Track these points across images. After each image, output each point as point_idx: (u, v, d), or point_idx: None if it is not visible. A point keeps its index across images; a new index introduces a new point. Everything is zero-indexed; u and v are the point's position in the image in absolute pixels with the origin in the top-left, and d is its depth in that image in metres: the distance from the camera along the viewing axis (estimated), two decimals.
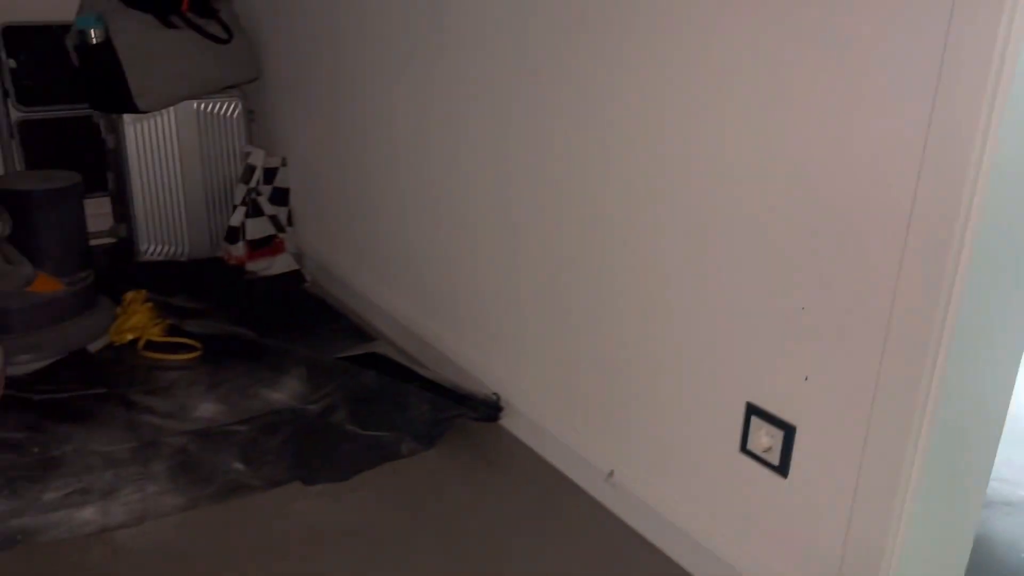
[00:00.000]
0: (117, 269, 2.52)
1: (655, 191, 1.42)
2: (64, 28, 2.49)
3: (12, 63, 2.58)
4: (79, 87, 2.53)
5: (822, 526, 1.27)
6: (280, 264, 2.59)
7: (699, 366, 1.41)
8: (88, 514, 1.52)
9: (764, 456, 1.33)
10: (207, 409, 1.89)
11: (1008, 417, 1.22)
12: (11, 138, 2.63)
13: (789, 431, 1.29)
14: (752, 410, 1.34)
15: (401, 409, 1.87)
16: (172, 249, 2.59)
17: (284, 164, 2.64)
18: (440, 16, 1.85)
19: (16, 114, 2.64)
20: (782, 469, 1.31)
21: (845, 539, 1.23)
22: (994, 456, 1.24)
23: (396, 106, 2.07)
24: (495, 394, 1.88)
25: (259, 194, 2.60)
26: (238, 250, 2.57)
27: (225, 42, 2.48)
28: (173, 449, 1.72)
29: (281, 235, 2.64)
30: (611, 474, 1.61)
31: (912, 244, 1.07)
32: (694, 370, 1.42)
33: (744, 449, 1.36)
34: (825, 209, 1.17)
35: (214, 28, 2.48)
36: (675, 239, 1.40)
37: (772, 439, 1.31)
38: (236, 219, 2.57)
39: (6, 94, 2.60)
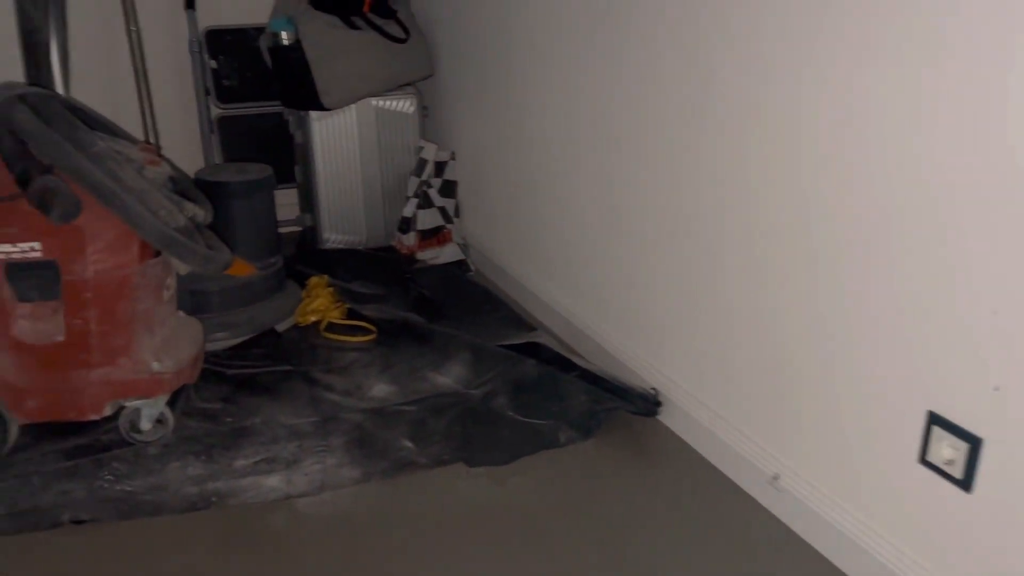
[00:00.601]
0: (303, 255, 2.71)
1: (828, 182, 1.37)
2: (259, 31, 2.70)
3: (213, 64, 2.82)
4: (272, 86, 2.73)
5: (1010, 546, 1.18)
6: (448, 254, 2.69)
7: (876, 369, 1.34)
8: (274, 482, 1.66)
9: (945, 468, 1.25)
10: (381, 389, 1.99)
11: None
12: (211, 133, 2.88)
13: (975, 443, 1.20)
14: (934, 419, 1.26)
15: (560, 399, 1.90)
16: (352, 238, 2.75)
17: (453, 158, 2.74)
18: (618, 6, 1.86)
19: (216, 111, 2.88)
20: (965, 483, 1.23)
21: None
22: None
23: (566, 102, 2.10)
24: (654, 389, 1.87)
25: (430, 186, 2.70)
26: (410, 239, 2.70)
27: (403, 41, 2.60)
28: (350, 425, 1.84)
29: (449, 226, 2.74)
30: (776, 477, 1.57)
31: None
32: (870, 373, 1.35)
33: (923, 460, 1.29)
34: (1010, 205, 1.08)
35: (393, 28, 2.60)
36: (850, 230, 1.34)
37: (955, 451, 1.23)
38: (409, 210, 2.69)
39: (207, 92, 2.85)
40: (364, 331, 2.24)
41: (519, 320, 2.34)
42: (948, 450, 1.25)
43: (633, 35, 1.81)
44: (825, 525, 1.47)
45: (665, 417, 1.86)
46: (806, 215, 1.42)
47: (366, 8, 2.59)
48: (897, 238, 1.27)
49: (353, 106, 2.63)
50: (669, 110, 1.72)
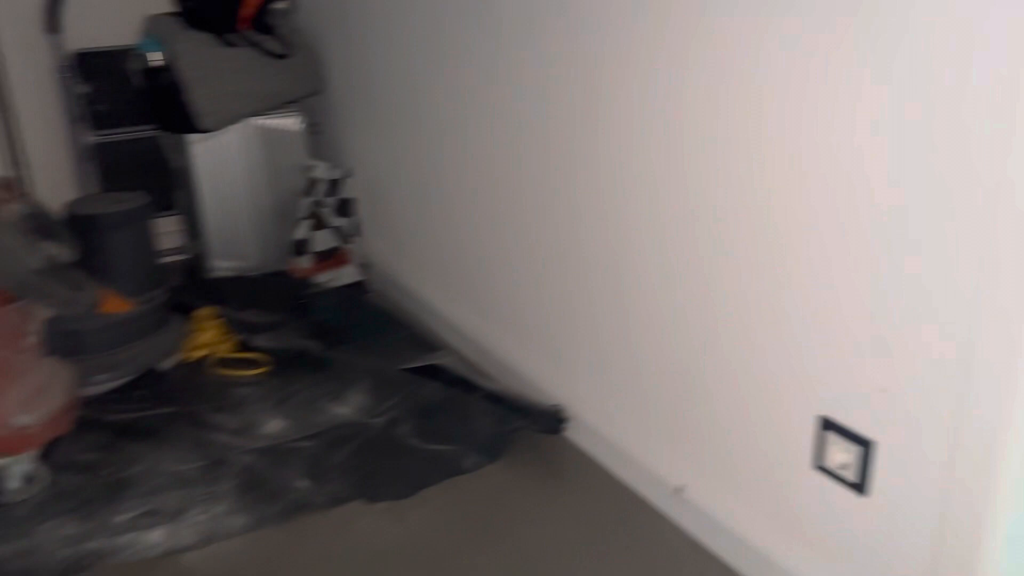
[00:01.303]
0: (189, 286, 2.58)
1: (712, 186, 1.35)
2: (130, 52, 2.55)
3: (84, 89, 2.66)
4: (146, 110, 2.59)
5: (907, 547, 1.17)
6: (345, 275, 2.59)
7: (769, 376, 1.33)
8: (156, 536, 1.54)
9: (840, 473, 1.24)
10: (274, 425, 1.90)
11: None
12: (85, 161, 2.71)
13: (866, 446, 1.20)
14: (826, 424, 1.25)
15: (465, 422, 1.85)
16: (242, 264, 2.63)
17: (349, 175, 2.65)
18: (511, 22, 1.81)
19: (89, 138, 2.72)
20: (860, 487, 1.22)
21: (932, 561, 1.14)
22: None
23: (463, 116, 2.04)
24: (557, 405, 1.83)
25: (324, 206, 2.61)
26: (305, 262, 2.59)
27: (284, 57, 2.50)
28: (240, 467, 1.74)
29: (347, 246, 2.65)
30: (680, 489, 1.54)
31: (1002, 243, 0.97)
32: (764, 381, 1.34)
33: (819, 465, 1.28)
34: (905, 212, 1.08)
35: (272, 44, 2.50)
36: (738, 235, 1.32)
37: (848, 455, 1.23)
38: (301, 232, 2.59)
39: (79, 119, 2.68)
40: (257, 363, 2.14)
41: (423, 341, 2.27)
42: (841, 454, 1.24)
43: (510, 43, 1.76)
44: (729, 535, 1.45)
45: (573, 434, 1.82)
46: (694, 224, 1.40)
47: (242, 25, 2.48)
48: (782, 243, 1.25)
49: (236, 126, 2.51)
50: (558, 119, 1.69)
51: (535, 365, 1.94)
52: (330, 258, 2.62)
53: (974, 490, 1.06)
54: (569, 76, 1.61)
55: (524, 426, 1.82)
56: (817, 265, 1.21)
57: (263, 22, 2.53)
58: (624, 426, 1.68)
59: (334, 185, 2.63)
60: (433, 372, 2.00)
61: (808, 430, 1.28)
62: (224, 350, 2.17)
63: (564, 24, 1.59)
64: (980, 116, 0.96)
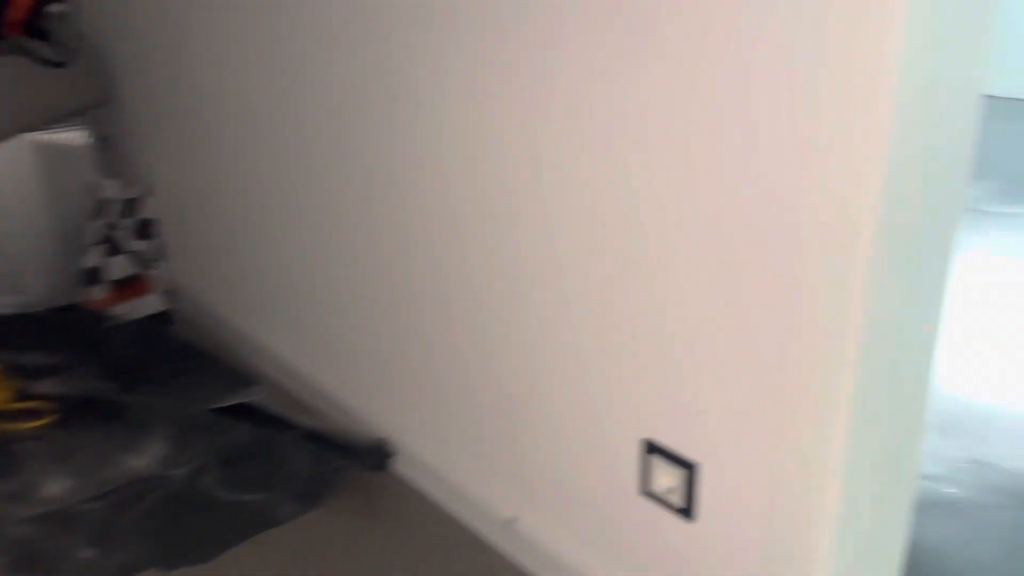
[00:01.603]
0: None
1: (544, 223, 1.27)
2: None
3: None
4: None
5: (737, 572, 1.13)
6: (147, 306, 2.35)
7: (592, 400, 1.26)
8: None
9: (666, 498, 1.19)
10: (57, 486, 1.66)
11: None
12: None
13: (690, 469, 1.15)
14: (650, 448, 1.19)
15: (279, 466, 1.68)
16: (23, 300, 2.33)
17: (148, 194, 2.40)
18: (310, 19, 1.66)
19: None
20: (687, 511, 1.17)
21: None
22: (918, 471, 1.13)
23: (281, 128, 1.86)
24: (382, 439, 1.70)
25: (118, 229, 2.35)
26: (98, 293, 2.33)
27: (60, 66, 2.23)
28: (14, 539, 1.50)
29: (148, 273, 2.40)
30: (512, 521, 1.45)
31: (808, 256, 0.93)
32: (587, 404, 1.27)
33: (646, 491, 1.22)
34: (717, 227, 1.03)
35: (47, 51, 2.22)
36: (565, 269, 1.25)
37: (673, 479, 1.17)
38: (93, 259, 2.32)
39: None
40: (39, 414, 1.87)
41: (236, 376, 2.07)
42: (667, 478, 1.18)
43: (321, 49, 1.62)
44: (561, 567, 1.37)
45: (400, 468, 1.70)
46: (516, 249, 1.32)
47: (11, 31, 2.19)
48: (604, 267, 1.18)
49: (5, 146, 2.21)
50: (375, 140, 1.56)
51: (361, 396, 1.81)
52: (128, 287, 2.36)
53: (797, 512, 1.03)
54: (386, 91, 1.49)
55: (347, 464, 1.69)
56: (638, 287, 1.14)
57: (37, 27, 2.25)
58: (455, 457, 1.58)
59: (130, 205, 2.37)
60: (244, 411, 1.82)
61: (633, 454, 1.22)
62: None
63: (366, 33, 1.47)
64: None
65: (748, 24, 0.91)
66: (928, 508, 1.62)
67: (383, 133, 1.50)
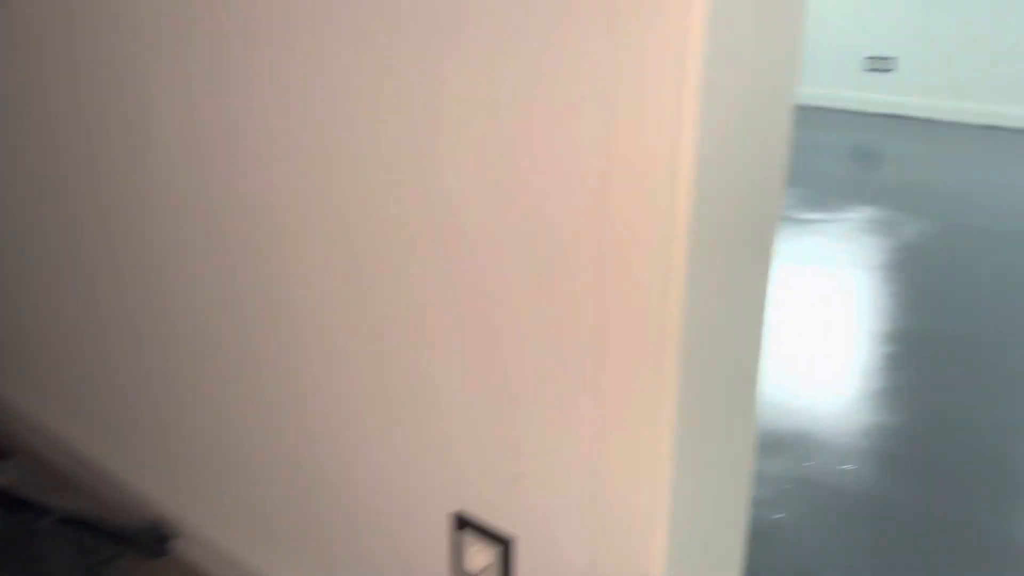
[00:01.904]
0: None
1: (318, 286, 1.08)
2: None
3: None
4: None
5: None
6: None
7: (392, 469, 1.09)
8: None
9: None
10: None
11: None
12: None
13: (506, 544, 1.01)
14: (461, 523, 1.04)
15: (32, 561, 1.40)
16: None
17: None
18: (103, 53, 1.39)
19: None
20: None
21: None
22: (746, 514, 1.04)
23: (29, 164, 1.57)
24: (157, 520, 1.46)
25: None
26: None
27: None
28: None
29: None
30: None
31: (616, 297, 0.81)
32: (388, 477, 1.10)
33: (460, 570, 1.07)
34: (524, 264, 0.89)
35: None
36: (351, 332, 1.07)
37: (488, 556, 1.03)
38: None
39: None
40: None
41: None
42: (480, 556, 1.04)
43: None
44: None
45: (183, 550, 1.46)
46: (298, 311, 1.13)
47: None
48: (393, 331, 1.02)
49: None
50: (119, 192, 1.32)
51: (135, 469, 1.55)
52: None
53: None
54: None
55: (118, 553, 1.43)
56: (436, 342, 0.99)
57: None
58: (246, 538, 1.36)
59: None
60: None
61: (443, 530, 1.06)
62: None
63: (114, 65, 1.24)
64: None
65: (540, 30, 0.79)
66: (754, 538, 1.57)
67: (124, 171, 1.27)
